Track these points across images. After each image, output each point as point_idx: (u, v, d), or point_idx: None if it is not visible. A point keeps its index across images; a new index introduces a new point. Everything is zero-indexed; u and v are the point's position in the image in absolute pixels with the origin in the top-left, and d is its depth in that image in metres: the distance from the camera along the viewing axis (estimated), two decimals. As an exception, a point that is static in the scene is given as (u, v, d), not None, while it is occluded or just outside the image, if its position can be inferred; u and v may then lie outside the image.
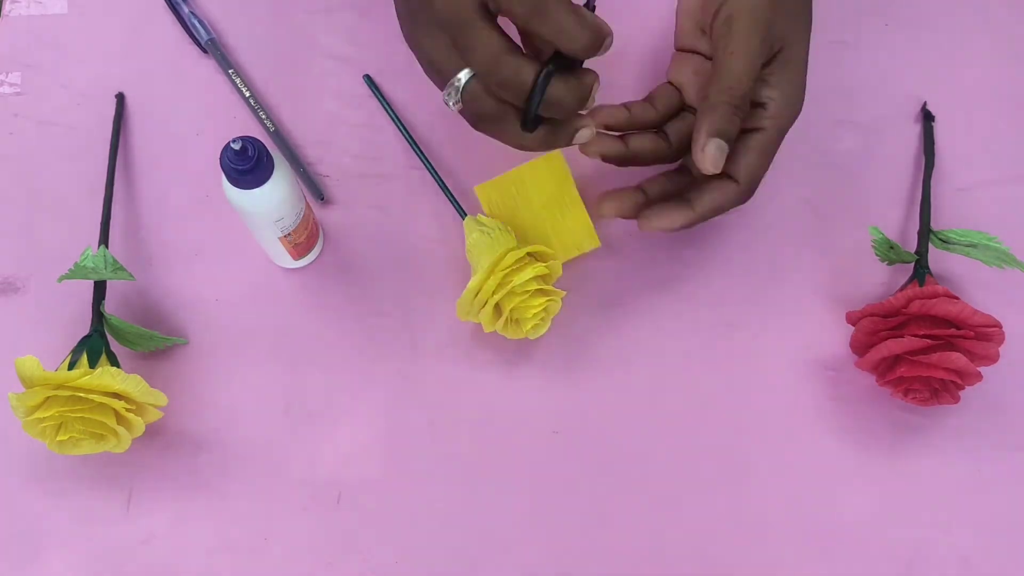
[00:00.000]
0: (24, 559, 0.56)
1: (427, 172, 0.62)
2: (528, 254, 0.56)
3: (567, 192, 0.60)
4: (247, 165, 0.50)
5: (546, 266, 0.56)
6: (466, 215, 0.59)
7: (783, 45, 0.54)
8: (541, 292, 0.56)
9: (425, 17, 0.50)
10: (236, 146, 0.49)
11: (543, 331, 0.58)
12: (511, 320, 0.57)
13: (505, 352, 0.60)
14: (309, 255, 0.61)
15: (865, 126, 0.65)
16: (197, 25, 0.64)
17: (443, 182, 0.61)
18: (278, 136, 0.63)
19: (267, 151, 0.51)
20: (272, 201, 0.52)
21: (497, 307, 0.56)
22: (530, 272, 0.55)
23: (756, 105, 0.55)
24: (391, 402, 0.59)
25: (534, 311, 0.56)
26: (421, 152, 0.62)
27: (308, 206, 0.57)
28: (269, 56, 0.65)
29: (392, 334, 0.60)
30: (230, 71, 0.64)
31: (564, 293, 0.58)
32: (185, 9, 0.65)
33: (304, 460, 0.58)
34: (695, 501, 0.58)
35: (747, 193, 0.56)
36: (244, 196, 0.52)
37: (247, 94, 0.63)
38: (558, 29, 0.47)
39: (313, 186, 0.62)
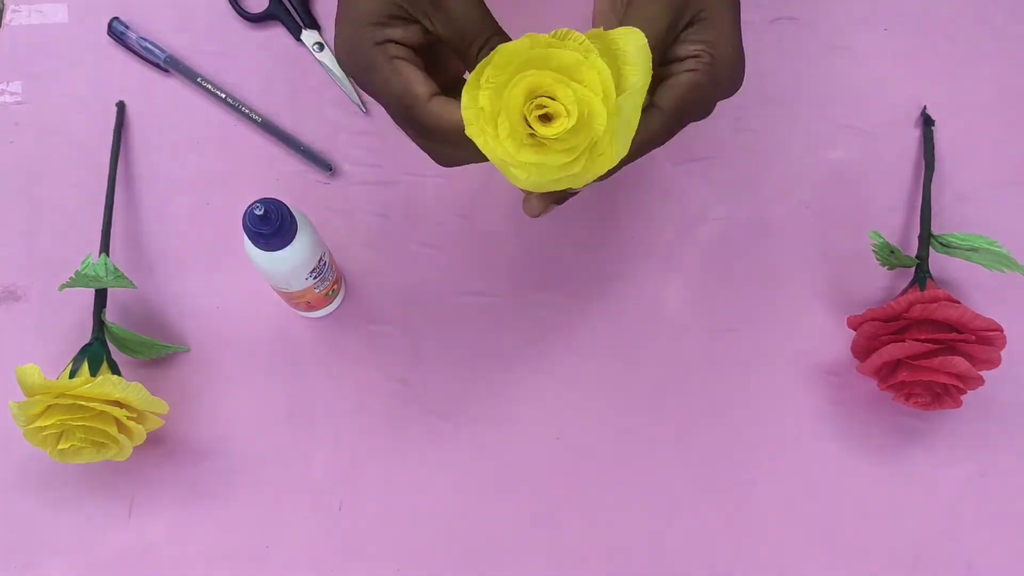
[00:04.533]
0: (26, 568, 0.56)
1: (428, 179, 0.62)
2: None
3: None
4: (270, 229, 0.50)
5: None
6: None
7: (700, 9, 0.45)
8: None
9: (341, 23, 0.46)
10: (259, 212, 0.49)
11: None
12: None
13: (506, 359, 0.60)
14: (333, 303, 0.60)
15: (865, 131, 0.65)
16: (150, 47, 0.64)
17: None
18: (267, 126, 0.63)
19: (290, 211, 0.51)
20: (298, 259, 0.52)
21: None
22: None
23: (676, 61, 0.45)
24: (392, 409, 0.59)
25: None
26: None
27: (329, 251, 0.57)
28: (269, 64, 0.66)
29: (393, 341, 0.60)
30: (199, 79, 0.64)
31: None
32: (133, 36, 0.65)
33: (305, 468, 0.58)
34: (697, 506, 0.58)
35: (670, 123, 0.45)
36: (270, 259, 0.52)
37: (223, 95, 0.64)
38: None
39: (318, 160, 0.63)
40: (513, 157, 0.40)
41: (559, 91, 0.39)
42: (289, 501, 0.58)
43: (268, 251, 0.51)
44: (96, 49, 0.66)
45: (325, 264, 0.55)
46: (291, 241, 0.51)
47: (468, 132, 0.40)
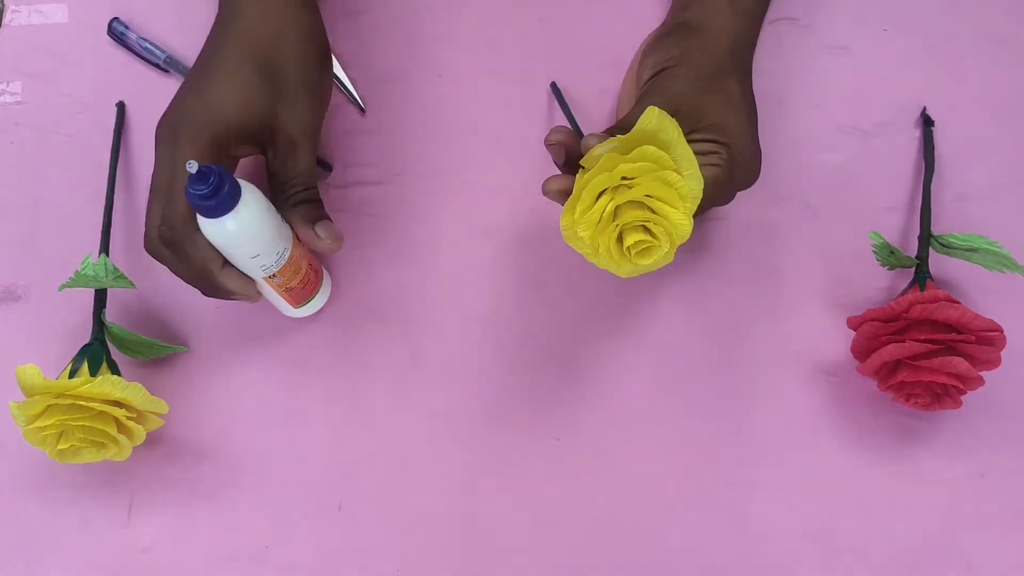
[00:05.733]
0: (26, 568, 0.56)
1: (428, 179, 0.62)
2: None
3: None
4: (206, 190, 0.46)
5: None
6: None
7: (718, 130, 0.52)
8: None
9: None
10: (192, 169, 0.45)
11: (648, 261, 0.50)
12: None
13: (505, 359, 0.60)
14: (309, 303, 0.58)
15: (865, 131, 0.65)
16: (150, 47, 0.64)
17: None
18: None
19: (232, 178, 0.47)
20: (241, 233, 0.48)
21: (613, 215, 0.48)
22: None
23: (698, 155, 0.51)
24: (391, 410, 0.59)
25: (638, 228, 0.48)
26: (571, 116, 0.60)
27: (299, 247, 0.54)
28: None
29: (391, 341, 0.60)
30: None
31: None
32: (133, 36, 0.65)
33: (305, 468, 0.58)
34: (697, 507, 0.58)
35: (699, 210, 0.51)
36: (211, 226, 0.48)
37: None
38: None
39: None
40: (616, 271, 0.50)
41: (652, 227, 0.48)
42: (288, 501, 0.58)
43: (208, 217, 0.47)
44: (96, 49, 0.66)
45: (286, 251, 0.52)
46: (233, 207, 0.47)
47: (569, 242, 0.49)
